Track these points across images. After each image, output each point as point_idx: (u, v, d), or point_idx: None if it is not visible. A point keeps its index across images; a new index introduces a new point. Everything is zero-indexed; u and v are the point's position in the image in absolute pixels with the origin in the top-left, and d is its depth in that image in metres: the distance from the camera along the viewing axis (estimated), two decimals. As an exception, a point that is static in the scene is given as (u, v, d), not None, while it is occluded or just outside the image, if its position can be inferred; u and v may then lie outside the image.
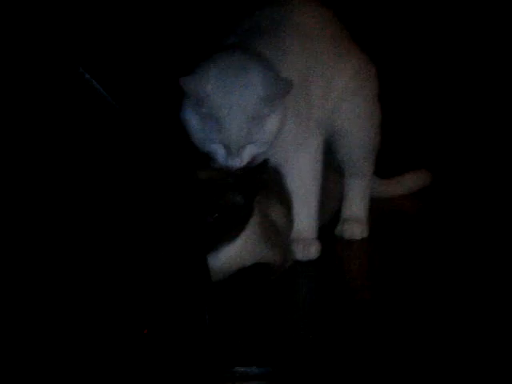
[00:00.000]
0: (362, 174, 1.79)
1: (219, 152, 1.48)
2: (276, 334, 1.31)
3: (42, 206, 1.33)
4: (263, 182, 1.52)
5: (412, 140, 2.28)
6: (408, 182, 2.05)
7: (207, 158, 1.51)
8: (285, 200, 1.62)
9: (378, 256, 1.72)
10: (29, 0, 1.22)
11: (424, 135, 2.31)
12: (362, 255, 1.74)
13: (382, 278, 1.59)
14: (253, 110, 1.45)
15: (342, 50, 1.69)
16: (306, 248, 1.62)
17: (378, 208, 1.89)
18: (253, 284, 1.47)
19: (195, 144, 1.51)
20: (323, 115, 1.65)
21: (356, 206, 1.80)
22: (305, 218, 1.64)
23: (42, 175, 1.30)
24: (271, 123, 1.48)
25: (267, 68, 1.49)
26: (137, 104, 1.28)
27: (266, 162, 1.49)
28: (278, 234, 1.57)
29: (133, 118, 1.21)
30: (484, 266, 1.58)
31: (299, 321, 1.39)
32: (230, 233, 1.47)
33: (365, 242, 1.76)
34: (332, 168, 1.76)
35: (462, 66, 2.31)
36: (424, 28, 2.33)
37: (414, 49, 2.32)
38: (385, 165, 1.92)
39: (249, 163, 1.49)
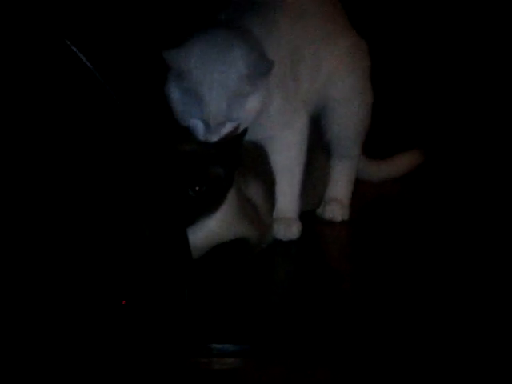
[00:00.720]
0: (349, 155, 1.77)
1: (198, 127, 1.48)
2: (254, 311, 1.32)
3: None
4: (240, 157, 1.51)
5: (403, 120, 2.26)
6: (400, 164, 2.02)
7: (188, 131, 1.51)
8: (264, 178, 1.62)
9: (359, 238, 1.73)
10: None
11: (415, 115, 2.29)
12: (342, 237, 1.74)
13: (361, 259, 1.60)
14: (233, 88, 1.45)
15: (333, 28, 1.68)
16: (287, 227, 1.62)
17: (362, 191, 1.88)
18: (231, 260, 1.47)
19: (176, 118, 1.51)
20: (312, 93, 1.65)
21: (340, 187, 1.79)
22: (287, 197, 1.64)
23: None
24: (252, 102, 1.48)
25: (251, 47, 1.48)
26: (119, 74, 1.26)
27: (244, 131, 1.48)
28: (256, 211, 1.58)
29: (114, 88, 1.20)
30: (470, 253, 1.58)
31: (277, 299, 1.40)
32: (211, 206, 1.46)
33: (347, 224, 1.76)
34: (320, 152, 1.76)
35: (455, 50, 2.31)
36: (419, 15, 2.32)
37: (406, 30, 2.31)
38: (376, 145, 1.91)
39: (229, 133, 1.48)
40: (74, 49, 1.17)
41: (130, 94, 1.24)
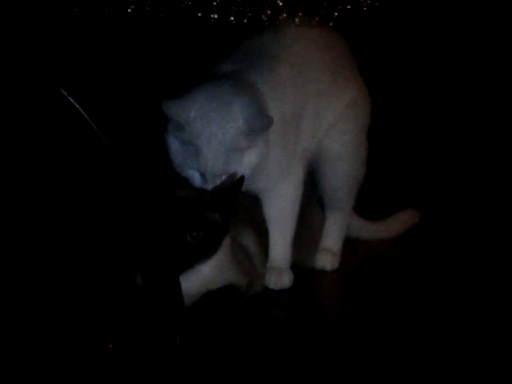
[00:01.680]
0: (342, 207, 1.78)
1: (195, 177, 1.49)
2: (246, 360, 1.32)
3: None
4: (236, 205, 1.52)
5: (397, 178, 2.27)
6: (396, 225, 2.00)
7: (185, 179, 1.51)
8: (257, 227, 1.63)
9: (350, 289, 1.73)
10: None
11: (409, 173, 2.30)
12: (334, 286, 1.75)
13: (352, 308, 1.60)
14: (231, 143, 1.45)
15: (338, 81, 1.67)
16: (279, 277, 1.62)
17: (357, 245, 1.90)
18: (221, 307, 1.47)
19: (174, 167, 1.51)
20: (310, 145, 1.65)
21: (332, 238, 1.79)
22: (279, 247, 1.65)
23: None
24: (250, 156, 1.48)
25: (251, 102, 1.48)
26: (120, 123, 1.28)
27: (241, 179, 1.47)
28: (249, 259, 1.58)
29: (114, 137, 1.22)
30: (459, 305, 1.59)
31: (269, 348, 1.40)
32: (208, 251, 1.47)
33: (339, 274, 1.76)
34: (314, 205, 1.77)
35: (447, 108, 2.33)
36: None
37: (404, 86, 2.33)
38: (371, 203, 1.93)
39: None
40: (71, 99, 1.18)
41: (127, 142, 1.26)
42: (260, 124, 1.47)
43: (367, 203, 1.91)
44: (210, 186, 1.48)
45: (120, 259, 1.43)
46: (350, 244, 1.84)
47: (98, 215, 1.45)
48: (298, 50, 1.62)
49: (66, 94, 1.17)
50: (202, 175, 1.48)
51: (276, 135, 1.53)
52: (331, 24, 1.90)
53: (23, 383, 1.24)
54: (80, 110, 1.19)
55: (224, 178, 1.49)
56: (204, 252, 1.46)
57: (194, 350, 1.29)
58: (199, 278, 1.47)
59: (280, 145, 1.56)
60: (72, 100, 1.18)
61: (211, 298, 1.48)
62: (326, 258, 1.76)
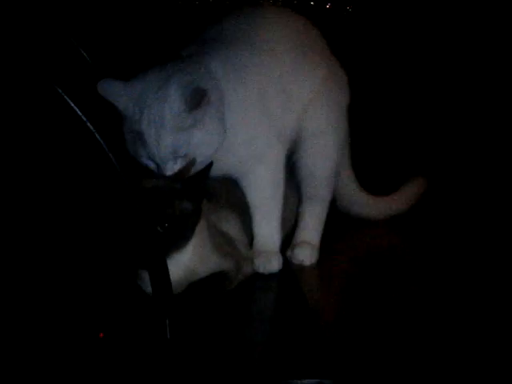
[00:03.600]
0: (319, 197, 1.73)
1: (151, 165, 1.47)
2: (233, 348, 1.32)
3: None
4: (212, 190, 1.50)
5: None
6: (405, 197, 1.93)
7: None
8: (238, 210, 1.62)
9: (336, 273, 1.70)
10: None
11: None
12: (319, 272, 1.71)
13: (338, 292, 1.60)
14: (172, 123, 1.42)
15: (305, 61, 1.65)
16: (268, 261, 1.61)
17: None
18: (209, 295, 1.45)
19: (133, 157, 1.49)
20: (285, 125, 1.63)
21: (309, 230, 1.74)
22: (266, 231, 1.64)
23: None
24: (197, 136, 1.45)
25: (187, 79, 1.45)
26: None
27: (209, 165, 1.45)
28: (231, 244, 1.57)
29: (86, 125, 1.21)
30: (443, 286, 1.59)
31: (257, 333, 1.40)
32: (180, 241, 1.45)
33: (328, 259, 1.74)
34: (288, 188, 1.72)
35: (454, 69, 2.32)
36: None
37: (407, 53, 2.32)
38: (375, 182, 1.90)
39: (191, 169, 1.47)
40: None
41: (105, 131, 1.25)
42: (194, 98, 1.43)
43: (371, 180, 1.89)
44: (167, 173, 1.45)
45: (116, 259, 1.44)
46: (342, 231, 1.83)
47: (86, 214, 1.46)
48: (263, 33, 1.61)
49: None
50: (155, 162, 1.45)
51: (240, 116, 1.52)
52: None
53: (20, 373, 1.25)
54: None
55: (180, 162, 1.45)
56: (176, 241, 1.44)
57: (183, 338, 1.29)
58: (179, 268, 1.45)
59: (247, 125, 1.54)
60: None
61: (199, 286, 1.46)
62: (305, 252, 1.70)
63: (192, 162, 1.47)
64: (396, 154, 2.25)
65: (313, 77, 1.67)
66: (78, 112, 1.16)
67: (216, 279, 1.49)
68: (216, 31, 1.60)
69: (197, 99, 1.43)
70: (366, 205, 1.89)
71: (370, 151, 2.05)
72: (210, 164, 1.46)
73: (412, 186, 1.95)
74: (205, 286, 1.47)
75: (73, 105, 1.16)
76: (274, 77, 1.60)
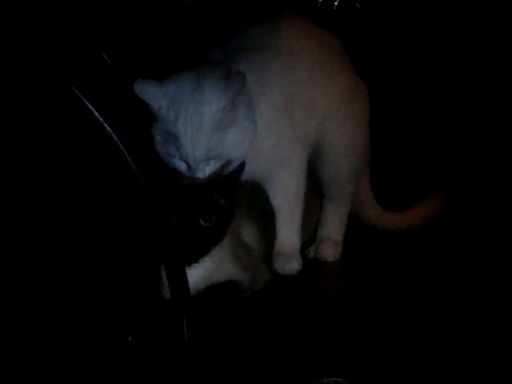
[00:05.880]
0: (342, 198, 1.76)
1: (181, 167, 1.48)
2: (250, 347, 1.32)
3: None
4: (236, 194, 1.50)
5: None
6: (421, 213, 1.93)
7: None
8: (257, 217, 1.62)
9: (356, 274, 1.70)
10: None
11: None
12: (339, 272, 1.73)
13: (358, 293, 1.59)
14: (209, 123, 1.44)
15: (327, 70, 1.68)
16: (288, 262, 1.62)
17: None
18: (222, 302, 1.45)
19: (162, 158, 1.50)
20: (307, 132, 1.65)
21: (332, 228, 1.76)
22: (287, 233, 1.65)
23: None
24: (232, 136, 1.47)
25: (219, 76, 1.47)
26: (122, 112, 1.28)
27: (241, 166, 1.46)
28: (250, 255, 1.57)
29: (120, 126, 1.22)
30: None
31: (278, 335, 1.39)
32: (220, 236, 1.45)
33: (347, 260, 1.75)
34: (313, 190, 1.75)
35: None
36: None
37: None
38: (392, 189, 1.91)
39: (224, 170, 1.48)
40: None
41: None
42: (235, 80, 1.45)
43: (389, 193, 1.90)
44: (199, 175, 1.46)
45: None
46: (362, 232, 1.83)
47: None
48: (288, 41, 1.63)
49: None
50: (187, 164, 1.46)
51: (266, 121, 1.54)
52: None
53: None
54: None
55: (213, 164, 1.47)
56: (217, 235, 1.45)
57: (201, 339, 1.30)
58: (200, 270, 1.45)
59: (273, 131, 1.56)
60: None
61: (214, 291, 1.46)
62: (329, 249, 1.73)
63: (227, 163, 1.48)
64: (415, 167, 2.22)
65: (334, 86, 1.68)
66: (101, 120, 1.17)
67: (227, 288, 1.48)
68: (239, 40, 1.62)
69: (236, 83, 1.45)
70: (381, 219, 1.91)
71: (389, 163, 2.03)
72: (243, 164, 1.46)
73: (430, 203, 1.95)
74: (216, 294, 1.46)
75: (91, 108, 1.17)
76: (299, 83, 1.62)
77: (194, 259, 1.42)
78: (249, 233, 1.61)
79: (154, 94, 1.46)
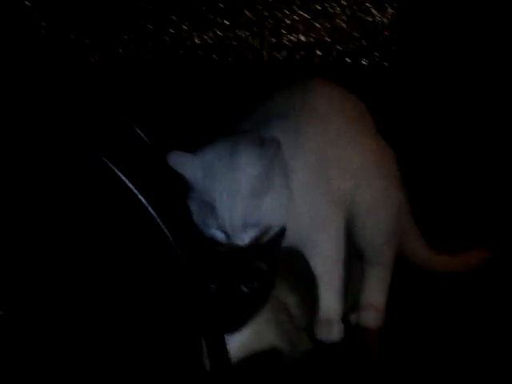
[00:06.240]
0: (380, 261, 1.74)
1: (219, 237, 1.48)
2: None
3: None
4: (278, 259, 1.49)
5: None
6: (466, 261, 1.92)
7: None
8: (299, 288, 1.60)
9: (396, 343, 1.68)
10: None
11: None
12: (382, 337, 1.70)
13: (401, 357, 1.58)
14: (245, 192, 1.45)
15: (357, 133, 1.69)
16: (329, 329, 1.60)
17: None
18: (263, 372, 1.43)
19: (199, 229, 1.51)
20: (342, 195, 1.65)
21: (374, 293, 1.74)
22: (328, 299, 1.63)
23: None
24: (269, 202, 1.48)
25: (253, 143, 1.49)
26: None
27: (282, 230, 1.45)
28: (291, 322, 1.54)
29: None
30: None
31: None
32: (262, 302, 1.44)
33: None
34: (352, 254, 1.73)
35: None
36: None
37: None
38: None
39: (264, 236, 1.48)
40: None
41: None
42: (269, 148, 1.47)
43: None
44: (237, 243, 1.47)
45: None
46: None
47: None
48: (317, 104, 1.65)
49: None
50: (225, 233, 1.47)
51: (301, 185, 1.55)
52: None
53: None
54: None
55: (250, 232, 1.48)
56: (259, 302, 1.43)
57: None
58: (241, 339, 1.43)
59: (308, 195, 1.57)
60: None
61: (254, 360, 1.44)
62: (370, 315, 1.71)
63: (266, 230, 1.48)
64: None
65: (363, 147, 1.69)
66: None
67: (270, 356, 1.46)
68: (269, 106, 1.65)
69: (271, 150, 1.47)
70: (430, 260, 1.89)
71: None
72: (284, 228, 1.46)
73: (476, 254, 1.93)
74: (258, 363, 1.44)
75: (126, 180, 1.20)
76: (332, 145, 1.64)
77: (236, 327, 1.41)
78: (289, 299, 1.58)
79: (188, 165, 1.49)
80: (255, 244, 1.47)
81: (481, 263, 1.93)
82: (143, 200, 1.22)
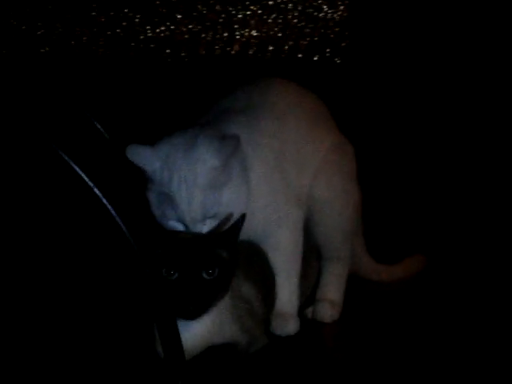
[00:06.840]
0: (338, 257, 1.76)
1: (179, 228, 1.48)
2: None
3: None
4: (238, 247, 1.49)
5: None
6: (407, 268, 1.95)
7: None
8: (259, 283, 1.60)
9: (354, 335, 1.69)
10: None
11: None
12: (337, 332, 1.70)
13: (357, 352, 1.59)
14: (204, 183, 1.46)
15: (315, 129, 1.70)
16: (285, 323, 1.60)
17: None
18: (220, 365, 1.43)
19: (158, 220, 1.50)
20: (301, 191, 1.66)
21: (330, 288, 1.75)
22: (286, 294, 1.64)
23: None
24: (228, 194, 1.48)
25: (212, 135, 1.49)
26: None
27: (242, 218, 1.45)
28: (250, 312, 1.55)
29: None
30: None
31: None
32: (222, 290, 1.44)
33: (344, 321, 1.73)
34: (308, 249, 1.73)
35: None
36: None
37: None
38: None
39: (224, 225, 1.49)
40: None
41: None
42: (228, 144, 1.47)
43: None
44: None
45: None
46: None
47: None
48: (277, 102, 1.66)
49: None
50: (184, 224, 1.47)
51: (259, 179, 1.55)
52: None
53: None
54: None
55: (209, 224, 1.48)
56: (220, 289, 1.43)
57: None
58: (201, 329, 1.43)
59: (266, 189, 1.57)
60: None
61: (211, 353, 1.43)
62: (326, 309, 1.71)
63: (225, 220, 1.48)
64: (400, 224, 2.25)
65: (322, 144, 1.71)
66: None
67: (226, 350, 1.46)
68: (230, 102, 1.65)
69: (230, 145, 1.47)
70: (371, 271, 1.92)
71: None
72: (244, 216, 1.46)
73: (413, 261, 1.97)
74: (214, 355, 1.44)
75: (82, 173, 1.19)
76: (288, 142, 1.64)
77: (197, 314, 1.41)
78: (253, 295, 1.58)
79: (146, 158, 1.48)
80: (216, 232, 1.47)
81: (420, 268, 1.97)
82: (96, 191, 1.21)
